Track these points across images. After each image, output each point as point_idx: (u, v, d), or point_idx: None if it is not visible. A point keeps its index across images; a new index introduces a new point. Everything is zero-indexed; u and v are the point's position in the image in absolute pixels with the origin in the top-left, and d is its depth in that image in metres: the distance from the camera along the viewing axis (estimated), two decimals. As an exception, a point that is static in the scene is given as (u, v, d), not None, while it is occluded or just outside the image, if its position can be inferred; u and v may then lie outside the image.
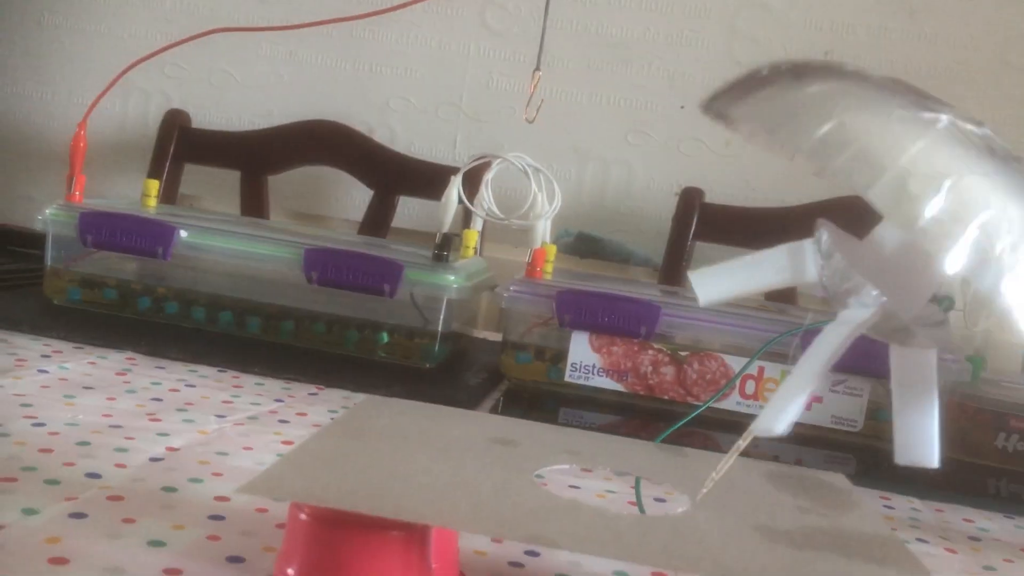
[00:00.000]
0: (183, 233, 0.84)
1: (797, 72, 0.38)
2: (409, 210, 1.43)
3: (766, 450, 0.78)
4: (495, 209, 0.92)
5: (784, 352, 0.83)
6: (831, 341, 0.35)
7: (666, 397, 0.83)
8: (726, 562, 0.28)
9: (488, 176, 0.90)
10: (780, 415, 0.32)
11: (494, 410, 0.78)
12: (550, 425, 0.43)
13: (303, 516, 0.30)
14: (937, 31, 1.38)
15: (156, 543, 0.41)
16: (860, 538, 0.33)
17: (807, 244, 0.36)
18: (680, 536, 0.30)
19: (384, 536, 0.30)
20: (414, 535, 0.31)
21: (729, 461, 0.33)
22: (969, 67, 1.37)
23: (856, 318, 0.36)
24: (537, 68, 0.84)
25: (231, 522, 0.45)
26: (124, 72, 0.84)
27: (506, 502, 0.31)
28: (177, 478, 0.50)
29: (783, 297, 1.22)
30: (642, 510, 0.48)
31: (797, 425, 0.87)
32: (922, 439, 0.36)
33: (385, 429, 0.38)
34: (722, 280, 0.37)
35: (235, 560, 0.41)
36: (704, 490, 0.33)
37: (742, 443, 0.34)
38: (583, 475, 0.57)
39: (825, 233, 0.38)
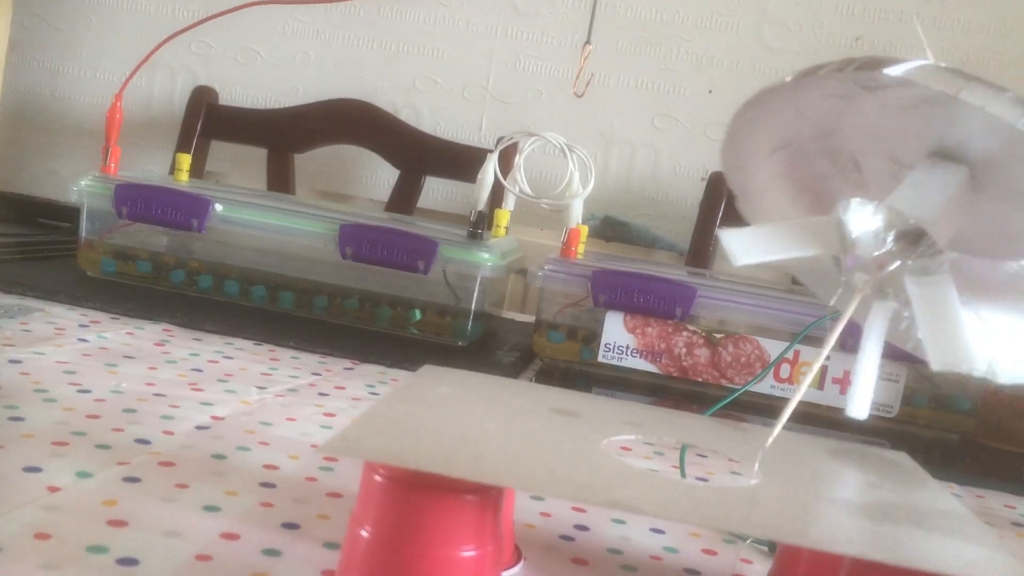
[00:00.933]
0: (218, 206, 0.84)
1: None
2: (433, 191, 1.42)
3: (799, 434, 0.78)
4: (527, 189, 0.91)
5: (820, 336, 0.82)
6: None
7: (700, 379, 0.82)
8: (811, 532, 0.28)
9: (522, 155, 0.89)
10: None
11: (528, 389, 0.77)
12: (608, 397, 0.42)
13: (378, 477, 0.30)
14: (970, 18, 1.37)
15: (211, 508, 0.41)
16: (936, 514, 0.32)
17: (838, 217, 0.37)
18: (760, 506, 0.30)
19: (459, 499, 0.30)
20: (488, 499, 0.30)
21: (785, 417, 0.33)
22: (1003, 56, 1.36)
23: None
24: (587, 41, 0.83)
25: (283, 490, 0.45)
26: (160, 45, 0.83)
27: (582, 468, 0.30)
28: (225, 446, 0.49)
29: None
30: (684, 476, 0.48)
31: (832, 409, 0.86)
32: (958, 341, 0.36)
33: (449, 396, 0.38)
34: (759, 241, 0.38)
35: (291, 527, 0.40)
36: (765, 445, 0.34)
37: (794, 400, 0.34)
38: (669, 443, 0.57)
39: (863, 203, 0.38)
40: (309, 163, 1.42)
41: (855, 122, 0.43)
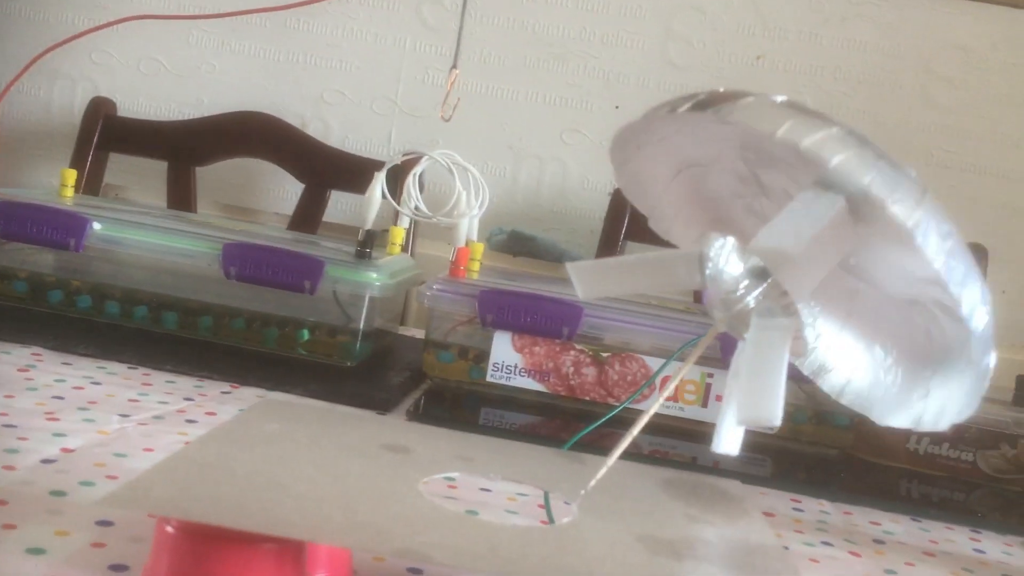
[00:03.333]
0: (96, 225, 0.82)
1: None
2: (343, 205, 1.41)
3: (685, 452, 0.79)
4: (422, 206, 0.91)
5: (705, 355, 0.83)
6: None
7: (587, 398, 0.82)
8: (601, 575, 0.28)
9: (415, 172, 0.89)
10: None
11: (414, 409, 0.77)
12: (449, 431, 0.42)
13: (169, 528, 0.29)
14: (866, 39, 1.41)
15: (35, 551, 0.40)
16: (743, 547, 0.33)
17: (695, 254, 0.37)
18: (561, 548, 0.30)
19: (255, 549, 0.29)
20: (288, 547, 0.30)
21: (616, 454, 0.34)
22: (896, 75, 1.40)
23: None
24: (454, 66, 0.83)
25: (120, 528, 0.43)
26: (38, 57, 0.81)
27: (384, 514, 0.30)
28: (68, 481, 0.48)
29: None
30: (552, 521, 0.48)
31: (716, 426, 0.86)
32: (767, 397, 0.36)
33: (274, 435, 0.37)
34: (605, 276, 0.38)
35: (118, 568, 0.39)
36: (589, 487, 0.34)
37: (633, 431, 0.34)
38: (493, 480, 0.56)
39: (726, 240, 0.39)
40: (214, 177, 1.39)
41: (747, 144, 0.43)
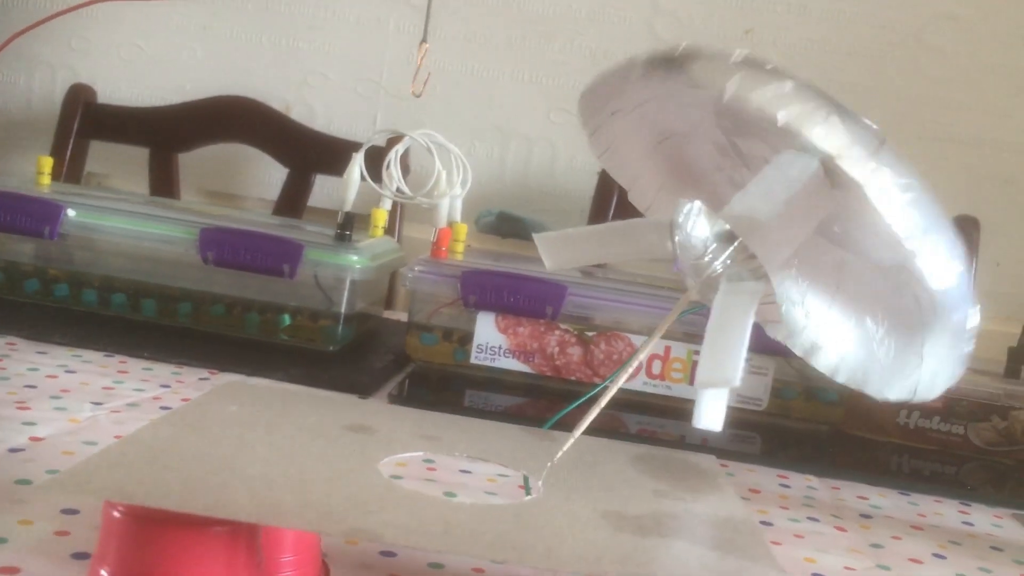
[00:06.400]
0: (71, 212, 0.81)
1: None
2: (328, 189, 1.39)
3: (673, 431, 0.78)
4: (403, 187, 0.90)
5: (691, 332, 0.82)
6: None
7: (573, 378, 0.82)
8: (560, 552, 0.27)
9: (396, 151, 0.88)
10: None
11: (397, 392, 0.76)
12: (415, 410, 0.41)
13: (116, 513, 0.28)
14: (857, 10, 1.39)
15: (-4, 540, 0.39)
16: (713, 523, 0.32)
17: (664, 221, 0.36)
18: (519, 525, 0.29)
19: (205, 533, 0.28)
20: (240, 531, 0.29)
21: (581, 429, 0.33)
22: (887, 46, 1.38)
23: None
24: (424, 40, 0.82)
25: (85, 516, 0.42)
26: (8, 42, 0.80)
27: (337, 494, 0.29)
28: (34, 470, 0.47)
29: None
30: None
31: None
32: (727, 357, 0.34)
33: (233, 417, 0.36)
34: (572, 246, 0.37)
35: (81, 556, 0.38)
36: (553, 461, 0.33)
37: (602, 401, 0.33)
38: (475, 461, 0.55)
39: (693, 204, 0.38)
40: (196, 162, 1.38)
41: (722, 111, 0.42)
